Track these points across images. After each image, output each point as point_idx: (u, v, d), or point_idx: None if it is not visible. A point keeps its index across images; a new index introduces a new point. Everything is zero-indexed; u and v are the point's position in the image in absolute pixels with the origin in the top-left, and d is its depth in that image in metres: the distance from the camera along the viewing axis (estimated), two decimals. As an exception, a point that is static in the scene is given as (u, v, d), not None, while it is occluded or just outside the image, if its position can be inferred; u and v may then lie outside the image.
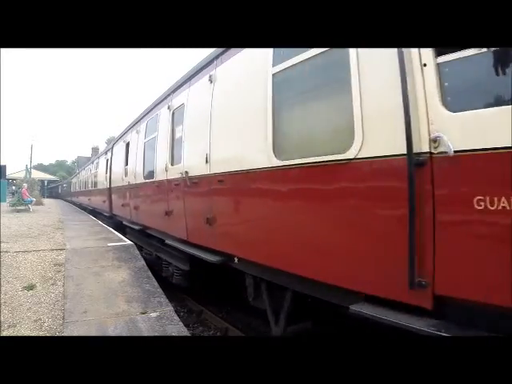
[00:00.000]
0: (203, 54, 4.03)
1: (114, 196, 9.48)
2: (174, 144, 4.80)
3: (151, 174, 5.71)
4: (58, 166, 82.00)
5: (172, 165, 4.77)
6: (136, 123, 7.30)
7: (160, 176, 5.20)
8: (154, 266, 5.87)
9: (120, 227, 8.99)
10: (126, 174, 7.85)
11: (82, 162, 34.88)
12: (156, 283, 4.34)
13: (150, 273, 4.79)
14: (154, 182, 5.52)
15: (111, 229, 9.18)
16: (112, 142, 10.67)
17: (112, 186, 9.54)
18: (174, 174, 4.58)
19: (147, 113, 6.46)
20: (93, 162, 15.62)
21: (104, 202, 10.84)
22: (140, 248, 6.80)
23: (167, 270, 5.54)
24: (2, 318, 3.22)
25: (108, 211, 10.25)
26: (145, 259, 6.04)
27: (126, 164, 7.88)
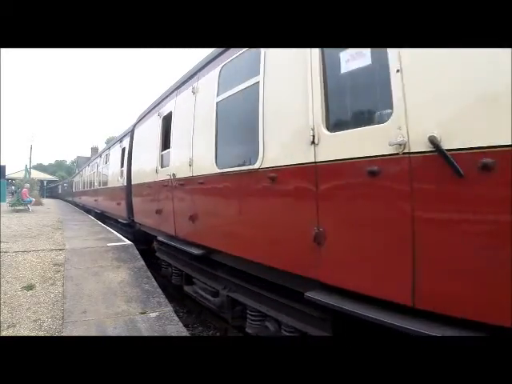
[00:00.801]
0: (203, 53, 4.03)
1: (136, 197, 6.79)
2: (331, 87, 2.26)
3: (245, 158, 3.09)
4: (58, 166, 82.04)
5: (337, 129, 2.20)
6: (190, 78, 4.39)
7: (279, 158, 2.62)
8: (222, 312, 3.78)
9: (144, 241, 6.84)
10: (163, 164, 5.12)
11: (81, 162, 34.81)
12: (155, 283, 4.34)
13: (149, 273, 4.79)
14: (255, 173, 2.82)
15: (110, 229, 9.14)
16: (132, 124, 7.65)
17: (134, 182, 6.86)
18: (353, 148, 2.03)
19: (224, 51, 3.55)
20: (100, 156, 12.29)
21: (119, 204, 8.37)
22: (188, 279, 4.58)
23: (259, 325, 3.16)
24: (2, 318, 3.22)
25: (125, 217, 7.77)
26: (198, 298, 4.25)
27: (165, 148, 5.13)
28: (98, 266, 4.92)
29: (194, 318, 5.07)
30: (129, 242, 6.68)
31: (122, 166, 8.12)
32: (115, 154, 9.29)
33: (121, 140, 8.79)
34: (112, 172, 9.64)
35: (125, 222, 7.99)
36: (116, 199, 8.78)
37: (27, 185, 18.52)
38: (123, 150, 8.20)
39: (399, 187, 1.81)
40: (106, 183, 10.52)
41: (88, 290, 3.96)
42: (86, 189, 16.39)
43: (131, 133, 7.53)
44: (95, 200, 12.85)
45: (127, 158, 7.56)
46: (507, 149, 1.39)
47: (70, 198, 26.35)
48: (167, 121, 5.12)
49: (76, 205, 21.95)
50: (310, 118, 2.30)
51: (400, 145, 1.77)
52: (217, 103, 3.56)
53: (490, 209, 1.48)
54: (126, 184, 7.52)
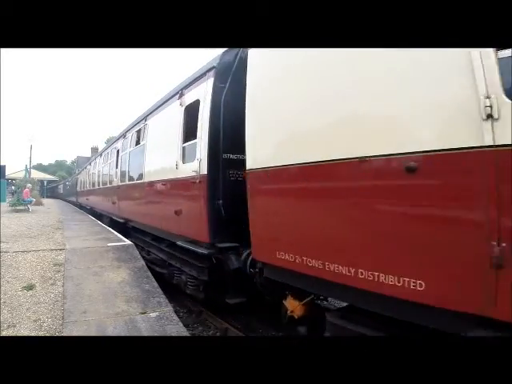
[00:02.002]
0: (204, 54, 4.00)
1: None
2: None
3: None
4: (58, 166, 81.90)
5: None
6: None
7: None
8: None
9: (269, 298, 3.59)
10: None
11: (81, 162, 34.76)
12: (155, 283, 4.34)
13: (149, 273, 4.79)
14: None
15: (110, 229, 9.09)
16: None
17: (306, 159, 2.46)
18: None
19: None
20: (125, 136, 7.98)
21: (178, 213, 4.46)
22: None
23: None
24: (2, 318, 3.21)
25: (203, 240, 3.90)
26: None
27: None
28: (98, 266, 4.91)
29: (194, 318, 5.07)
30: (129, 242, 6.66)
31: (191, 137, 4.20)
32: (168, 118, 5.13)
33: (186, 88, 4.57)
34: (159, 155, 5.47)
35: (201, 251, 3.85)
36: (167, 202, 4.89)
37: (29, 185, 18.49)
38: (202, 103, 4.02)
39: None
40: (139, 176, 6.45)
41: (88, 290, 3.96)
42: (96, 187, 12.06)
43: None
44: (113, 203, 8.56)
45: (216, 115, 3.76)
46: None
47: (74, 199, 22.22)
48: None
49: (81, 207, 18.28)
50: None
51: None
52: None
53: None
54: (205, 173, 3.77)
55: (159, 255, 5.66)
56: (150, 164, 5.89)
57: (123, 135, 8.24)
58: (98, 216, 12.20)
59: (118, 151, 8.61)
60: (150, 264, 5.74)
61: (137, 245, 6.57)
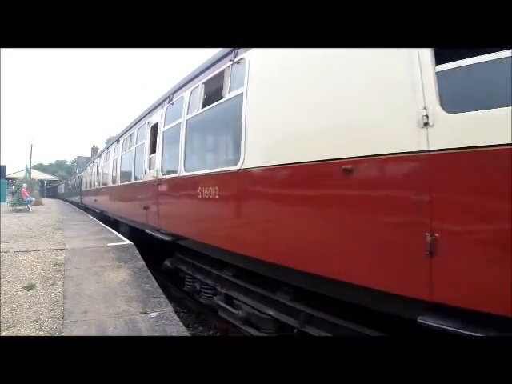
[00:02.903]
0: (204, 53, 3.99)
1: None
2: None
3: None
4: (58, 166, 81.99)
5: None
6: None
7: None
8: None
9: None
10: None
11: (81, 162, 34.71)
12: (156, 283, 4.34)
13: (149, 273, 4.79)
14: None
15: (111, 228, 9.05)
16: None
17: None
18: None
19: None
20: (169, 100, 4.90)
21: None
22: None
23: None
24: (2, 317, 3.22)
25: None
26: None
27: None
28: (98, 266, 4.91)
29: (194, 318, 5.08)
30: (129, 242, 6.65)
31: None
32: None
33: None
34: (314, 107, 2.37)
35: None
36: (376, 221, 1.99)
37: (24, 184, 18.57)
38: None
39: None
40: (220, 160, 4.18)
41: (88, 290, 3.96)
42: (111, 185, 9.28)
43: None
44: (146, 208, 5.77)
45: None
46: None
47: (78, 200, 19.53)
48: None
49: (86, 209, 16.03)
50: None
51: None
52: None
53: None
54: None
55: (268, 311, 3.15)
56: (269, 131, 2.81)
57: (167, 98, 5.08)
58: (112, 223, 9.32)
59: (154, 127, 5.61)
60: (241, 325, 3.46)
61: (192, 277, 4.59)
